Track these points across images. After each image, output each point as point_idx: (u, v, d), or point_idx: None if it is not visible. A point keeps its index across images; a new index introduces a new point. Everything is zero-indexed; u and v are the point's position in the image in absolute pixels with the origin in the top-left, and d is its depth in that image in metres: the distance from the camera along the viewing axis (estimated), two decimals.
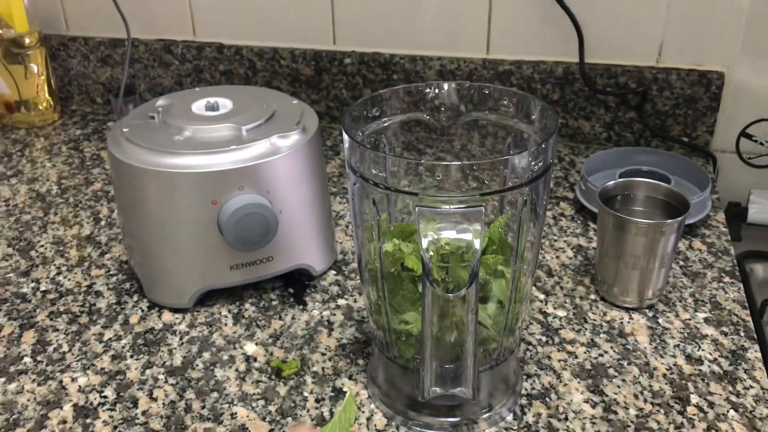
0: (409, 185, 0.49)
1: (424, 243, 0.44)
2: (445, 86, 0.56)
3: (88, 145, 1.05)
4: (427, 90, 0.56)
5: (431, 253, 0.44)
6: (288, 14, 1.04)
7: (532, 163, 0.46)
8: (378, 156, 0.48)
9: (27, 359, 0.64)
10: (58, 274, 0.76)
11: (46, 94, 1.10)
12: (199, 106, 0.71)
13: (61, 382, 0.62)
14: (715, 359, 0.62)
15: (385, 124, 0.57)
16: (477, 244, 0.44)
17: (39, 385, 0.62)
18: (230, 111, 0.70)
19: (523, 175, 0.47)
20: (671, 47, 0.92)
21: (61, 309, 0.71)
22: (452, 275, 0.47)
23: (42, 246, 0.81)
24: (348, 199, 0.88)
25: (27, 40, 1.05)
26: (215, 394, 0.60)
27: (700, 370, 0.61)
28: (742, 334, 0.65)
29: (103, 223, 0.85)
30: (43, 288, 0.74)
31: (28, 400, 0.60)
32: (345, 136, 0.49)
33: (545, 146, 0.47)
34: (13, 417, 0.58)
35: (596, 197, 0.68)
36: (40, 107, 1.10)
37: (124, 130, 0.68)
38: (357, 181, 0.49)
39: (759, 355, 0.62)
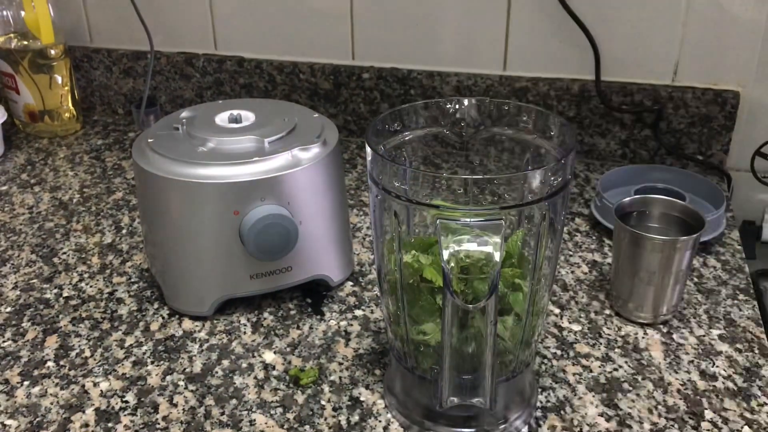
0: (428, 198, 0.50)
1: (445, 255, 0.45)
2: (466, 102, 0.57)
3: (110, 155, 1.06)
4: (448, 105, 0.58)
5: (452, 264, 0.45)
6: (308, 29, 1.05)
7: (551, 179, 0.47)
8: (399, 169, 0.49)
9: (50, 363, 0.66)
10: (81, 280, 0.77)
11: (70, 105, 1.12)
12: (222, 118, 0.73)
13: (83, 386, 0.63)
14: (730, 376, 0.62)
15: (406, 138, 0.58)
16: (497, 256, 0.45)
17: (62, 389, 0.63)
18: (253, 123, 0.72)
19: (542, 191, 0.48)
20: (687, 66, 0.93)
21: (84, 315, 0.72)
22: (471, 287, 0.48)
23: (64, 253, 0.82)
24: (368, 211, 0.89)
25: (52, 52, 1.07)
26: (234, 401, 0.61)
27: (714, 386, 0.61)
28: (757, 351, 0.65)
29: (124, 231, 0.86)
30: (65, 294, 0.75)
31: (52, 404, 0.61)
32: (368, 149, 0.51)
33: (564, 162, 0.48)
34: (37, 420, 0.60)
35: (612, 213, 0.69)
36: (64, 117, 1.12)
37: (149, 140, 0.70)
38: (379, 193, 0.50)
39: None
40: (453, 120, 0.58)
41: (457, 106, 0.58)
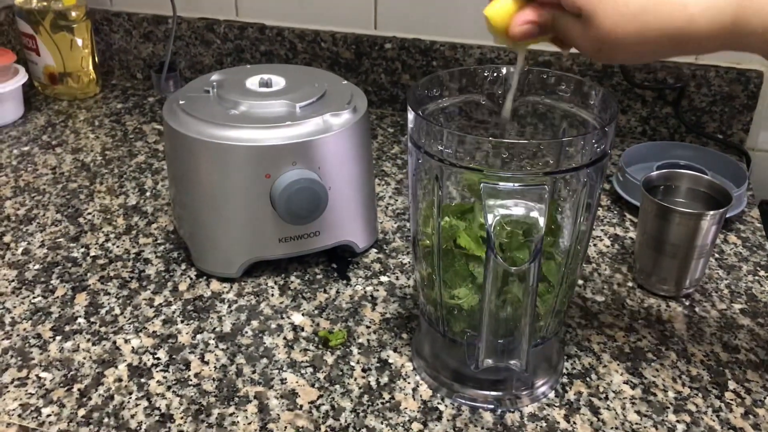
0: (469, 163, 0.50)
1: (489, 218, 0.46)
2: (503, 70, 0.58)
3: (130, 119, 1.06)
4: (486, 73, 0.58)
5: (497, 228, 0.46)
6: None
7: (595, 146, 0.48)
8: (444, 132, 0.49)
9: (81, 320, 0.67)
10: (107, 240, 0.78)
11: (90, 68, 1.12)
12: (252, 83, 0.73)
13: (114, 342, 0.64)
14: (752, 348, 0.63)
15: (443, 105, 0.58)
16: (541, 222, 0.45)
17: (93, 344, 0.64)
18: (283, 88, 0.72)
19: (582, 159, 0.49)
20: None
21: (111, 274, 0.73)
22: (510, 254, 0.49)
23: (90, 213, 0.83)
24: (390, 181, 0.90)
25: (73, 14, 1.07)
26: (265, 360, 0.62)
27: (736, 358, 0.62)
28: None
29: (148, 194, 0.87)
30: (92, 253, 0.76)
31: (84, 359, 0.62)
32: (410, 113, 0.51)
33: (607, 130, 0.48)
34: (71, 373, 0.60)
35: (635, 188, 0.70)
36: (84, 80, 1.12)
37: (180, 102, 0.70)
38: (420, 156, 0.51)
39: None
40: (490, 87, 0.58)
41: (494, 74, 0.58)
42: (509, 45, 0.51)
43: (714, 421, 0.56)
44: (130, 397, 0.58)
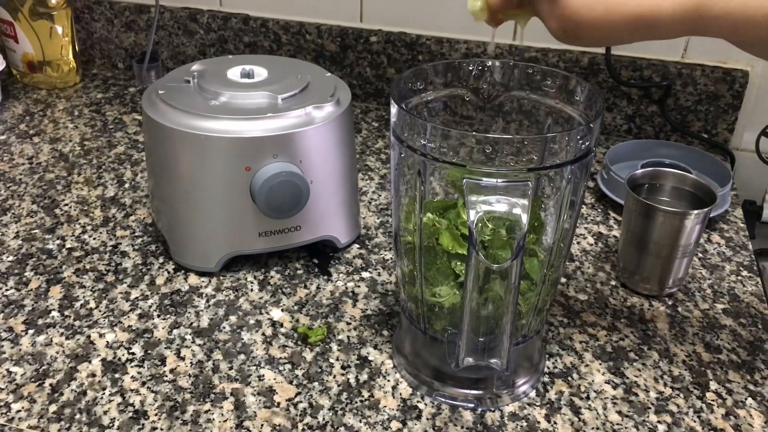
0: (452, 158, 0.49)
1: (472, 215, 0.45)
2: (489, 63, 0.57)
3: (110, 109, 1.05)
4: (471, 67, 0.57)
5: (479, 225, 0.45)
6: None
7: (580, 142, 0.47)
8: (428, 126, 0.48)
9: (54, 313, 0.65)
10: (83, 232, 0.76)
11: (70, 56, 1.10)
12: (234, 73, 0.71)
13: (89, 337, 0.62)
14: (734, 349, 0.63)
15: (427, 99, 0.57)
16: (524, 218, 0.44)
17: (67, 338, 0.62)
18: (265, 79, 0.71)
19: (566, 156, 0.48)
20: (697, 43, 0.93)
21: (87, 267, 0.71)
22: (491, 253, 0.48)
23: (66, 205, 0.81)
24: (374, 176, 0.89)
25: (53, 1, 1.05)
26: (242, 357, 0.61)
27: (718, 358, 0.62)
28: (760, 326, 0.66)
29: (126, 185, 0.85)
30: (68, 245, 0.74)
31: (57, 353, 0.61)
32: (393, 106, 0.50)
33: (592, 126, 0.48)
34: (43, 368, 0.59)
35: (619, 186, 0.69)
36: (63, 69, 1.10)
37: (160, 92, 0.68)
38: (403, 150, 0.50)
39: None
40: (475, 82, 0.57)
41: (479, 68, 0.57)
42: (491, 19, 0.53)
43: (695, 422, 0.56)
44: (104, 393, 0.57)
